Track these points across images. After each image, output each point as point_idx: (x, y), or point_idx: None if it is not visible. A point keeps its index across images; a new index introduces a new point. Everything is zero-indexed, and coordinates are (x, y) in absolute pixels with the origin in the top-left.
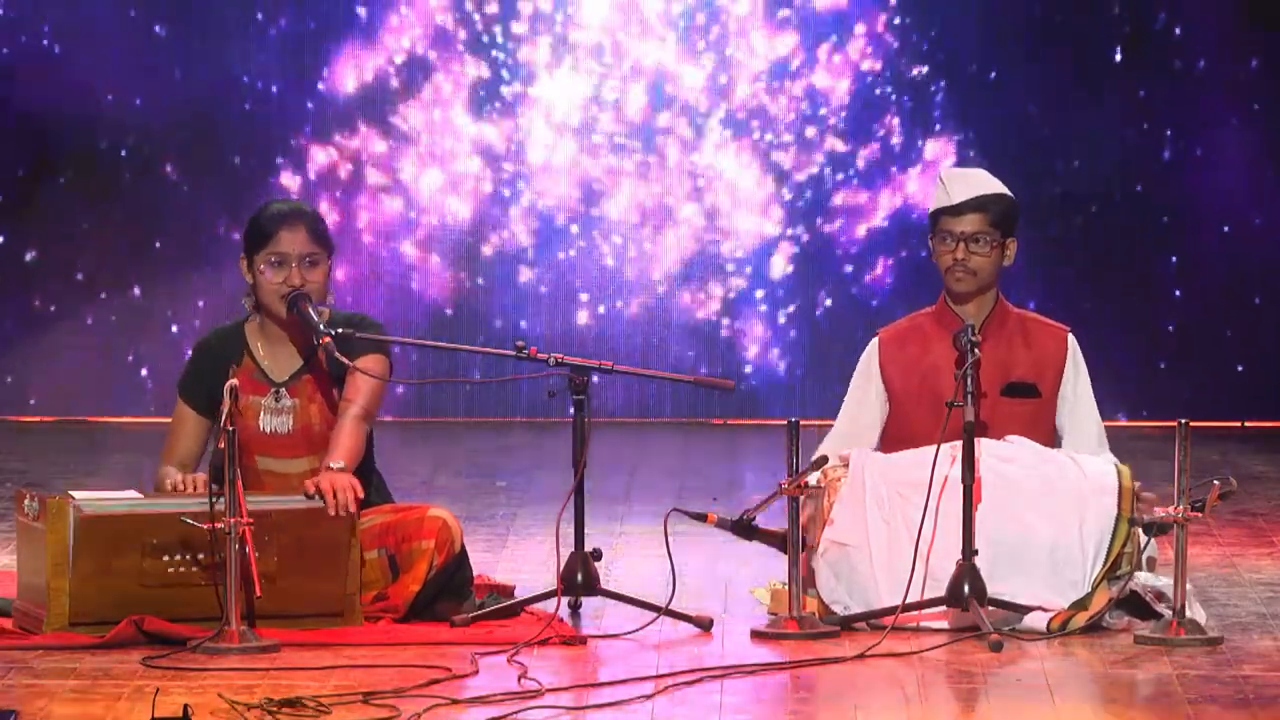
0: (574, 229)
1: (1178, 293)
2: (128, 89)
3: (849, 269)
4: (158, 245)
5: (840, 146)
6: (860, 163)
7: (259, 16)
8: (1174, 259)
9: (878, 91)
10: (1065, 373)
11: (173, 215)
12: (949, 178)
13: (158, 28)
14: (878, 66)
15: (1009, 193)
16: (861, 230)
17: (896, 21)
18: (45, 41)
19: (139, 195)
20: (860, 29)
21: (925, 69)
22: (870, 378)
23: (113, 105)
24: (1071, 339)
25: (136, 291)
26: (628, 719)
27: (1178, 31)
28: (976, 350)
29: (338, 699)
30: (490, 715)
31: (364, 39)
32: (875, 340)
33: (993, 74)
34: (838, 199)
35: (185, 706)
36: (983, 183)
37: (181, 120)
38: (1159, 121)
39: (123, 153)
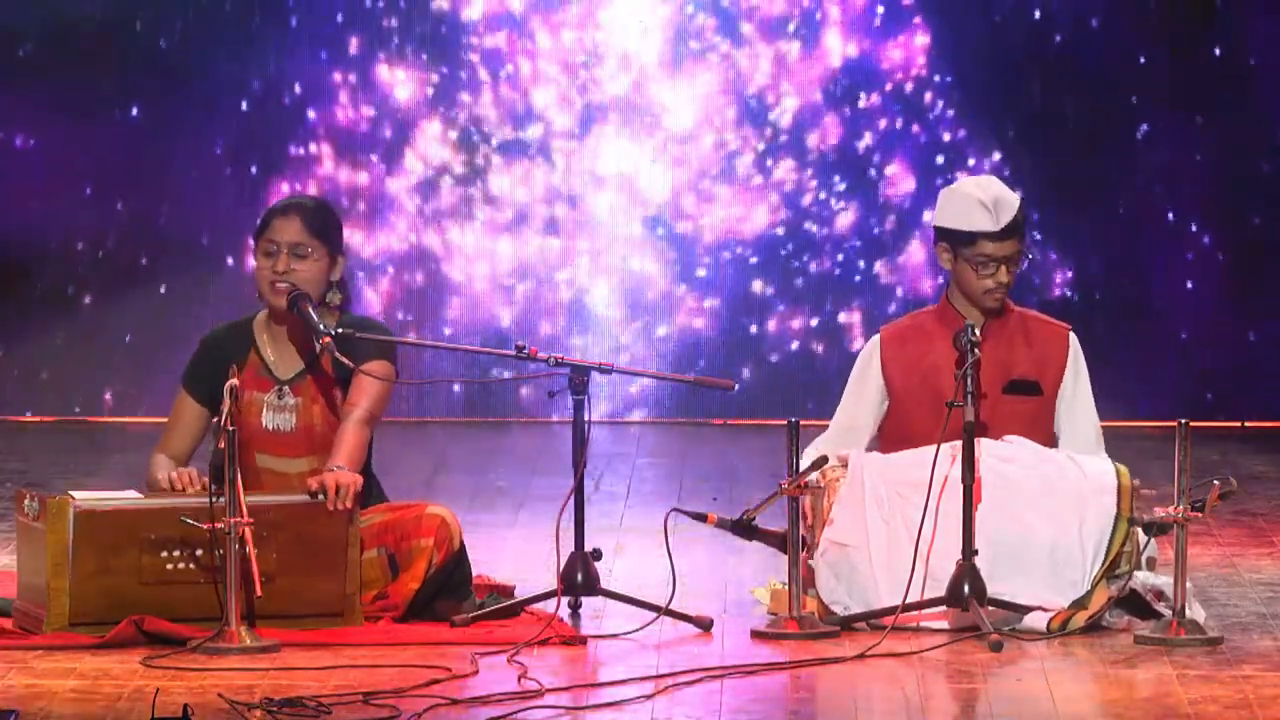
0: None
1: (1189, 284)
2: (109, 185)
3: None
4: (128, 339)
5: (850, 216)
6: (873, 233)
7: (244, 106)
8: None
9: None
10: (1066, 372)
11: (151, 316)
12: (992, 201)
13: (135, 110)
14: (910, 129)
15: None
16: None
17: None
18: (19, 139)
19: (119, 297)
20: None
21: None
22: (870, 375)
23: (91, 201)
24: (1073, 337)
25: (108, 397)
26: (628, 719)
27: (1200, 120)
28: (976, 350)
29: (338, 699)
30: (490, 715)
31: (354, 103)
32: (876, 338)
33: (1007, 171)
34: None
35: (185, 707)
36: (1011, 199)
37: (161, 209)
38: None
39: (100, 253)
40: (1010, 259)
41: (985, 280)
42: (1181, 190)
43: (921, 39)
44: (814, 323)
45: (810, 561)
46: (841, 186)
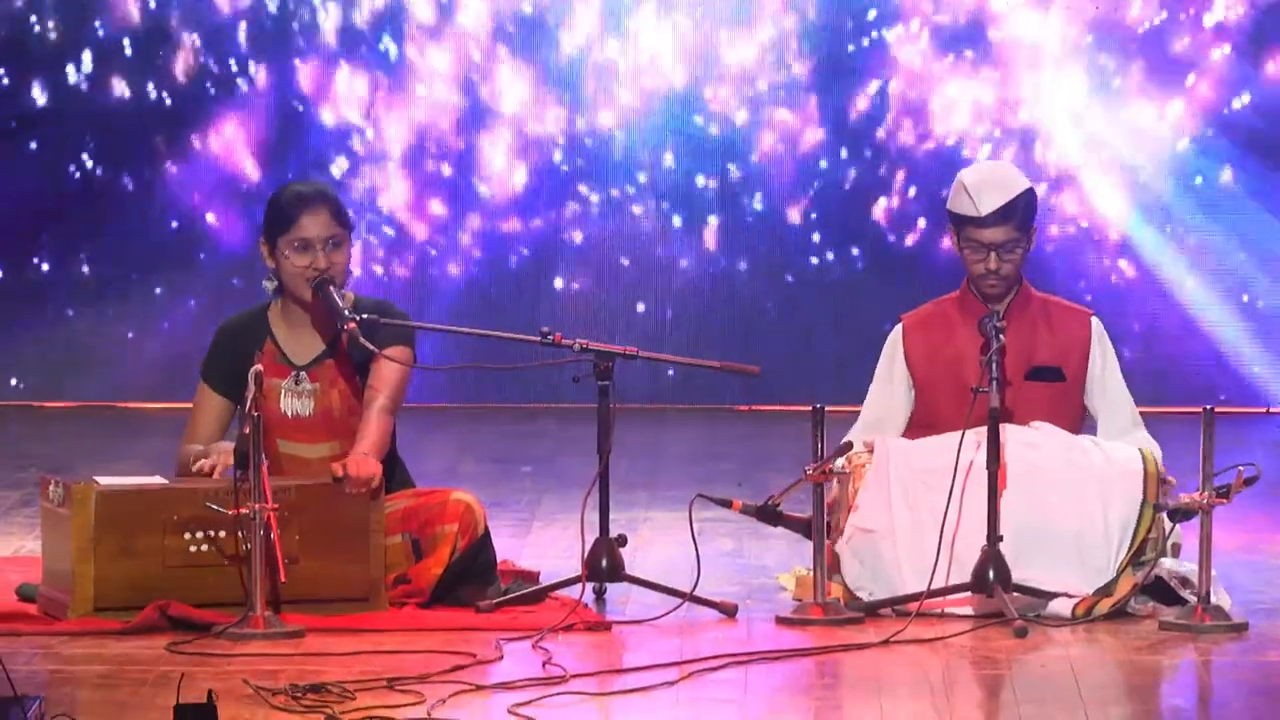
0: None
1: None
2: None
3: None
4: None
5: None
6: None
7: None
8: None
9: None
10: (1092, 356)
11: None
12: (975, 186)
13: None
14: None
15: (1027, 183)
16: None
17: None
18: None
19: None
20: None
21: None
22: (895, 364)
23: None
24: (1095, 321)
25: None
26: (652, 705)
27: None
28: (1002, 336)
29: (362, 685)
30: (515, 701)
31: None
32: (899, 327)
33: None
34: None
35: (210, 692)
36: (1006, 185)
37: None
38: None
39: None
40: (1001, 246)
41: (976, 265)
42: None
43: None
44: None
45: (835, 547)
46: None
